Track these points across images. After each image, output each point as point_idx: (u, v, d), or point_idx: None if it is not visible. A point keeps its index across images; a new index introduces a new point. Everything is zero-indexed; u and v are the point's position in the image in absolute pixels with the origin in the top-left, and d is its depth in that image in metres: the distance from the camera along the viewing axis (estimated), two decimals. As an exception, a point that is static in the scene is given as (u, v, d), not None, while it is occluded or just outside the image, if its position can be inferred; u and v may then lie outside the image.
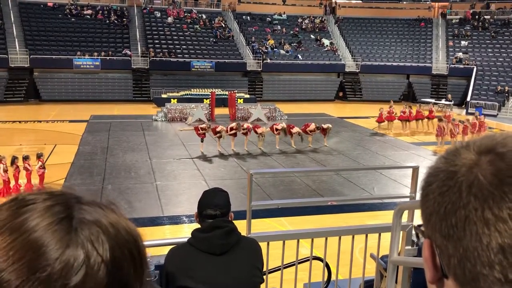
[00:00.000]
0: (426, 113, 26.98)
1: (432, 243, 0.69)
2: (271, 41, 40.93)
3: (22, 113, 29.09)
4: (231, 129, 20.09)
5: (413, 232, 3.84)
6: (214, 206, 2.83)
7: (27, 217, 0.62)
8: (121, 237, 0.65)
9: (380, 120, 26.32)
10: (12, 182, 14.19)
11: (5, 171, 14.02)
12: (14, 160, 14.24)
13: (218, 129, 19.76)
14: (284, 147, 20.80)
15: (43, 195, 0.66)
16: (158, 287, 2.83)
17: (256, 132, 20.45)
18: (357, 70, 40.57)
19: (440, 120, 22.80)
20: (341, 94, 40.60)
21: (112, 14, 39.83)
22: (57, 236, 0.61)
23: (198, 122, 24.72)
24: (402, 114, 26.31)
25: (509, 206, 0.60)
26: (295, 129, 20.86)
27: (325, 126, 21.49)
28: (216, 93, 31.24)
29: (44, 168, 14.54)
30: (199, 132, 19.50)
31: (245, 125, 20.75)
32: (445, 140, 21.94)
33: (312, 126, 21.03)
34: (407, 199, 4.35)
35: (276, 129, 20.86)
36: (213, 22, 41.94)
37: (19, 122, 26.25)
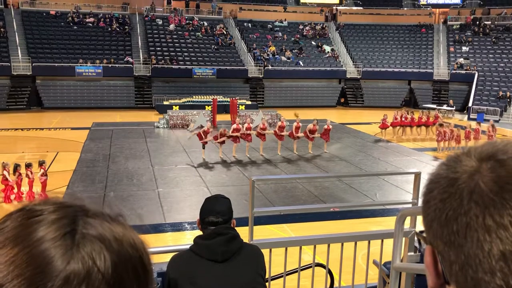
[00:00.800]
0: (432, 119, 26.85)
1: (433, 249, 0.69)
2: (272, 48, 41.03)
3: (24, 120, 29.17)
4: (234, 130, 20.05)
5: (416, 238, 3.84)
6: (216, 213, 2.82)
7: (32, 229, 0.61)
8: (125, 253, 0.64)
9: (383, 126, 26.19)
10: (15, 189, 14.22)
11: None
12: (16, 167, 14.27)
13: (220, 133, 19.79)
14: (286, 153, 20.80)
15: (51, 206, 0.65)
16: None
17: (261, 131, 20.45)
18: (359, 76, 40.60)
19: (440, 125, 22.79)
20: (342, 100, 40.61)
21: (114, 22, 40.01)
22: (59, 251, 0.59)
23: (200, 128, 24.73)
24: (404, 120, 26.28)
25: (510, 213, 0.60)
26: (296, 121, 20.99)
27: (326, 126, 21.46)
28: (218, 99, 31.28)
29: (46, 175, 14.55)
30: (202, 139, 19.51)
31: (246, 125, 20.82)
32: (445, 146, 21.92)
33: (310, 125, 20.96)
34: (410, 205, 4.34)
35: (280, 127, 20.99)
36: (214, 29, 42.09)
37: (22, 129, 26.30)
